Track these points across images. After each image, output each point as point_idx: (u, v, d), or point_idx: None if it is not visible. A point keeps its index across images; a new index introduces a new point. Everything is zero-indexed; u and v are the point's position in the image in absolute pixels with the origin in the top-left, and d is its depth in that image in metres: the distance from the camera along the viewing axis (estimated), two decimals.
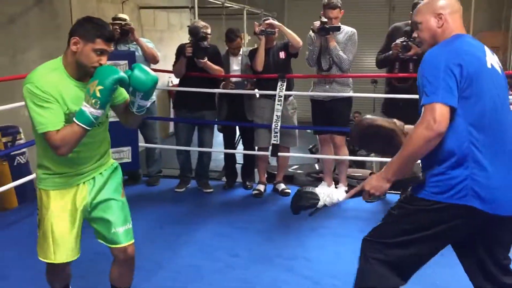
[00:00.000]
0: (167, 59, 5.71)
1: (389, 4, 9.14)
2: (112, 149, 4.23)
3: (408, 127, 2.01)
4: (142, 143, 4.69)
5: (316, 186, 2.28)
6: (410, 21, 3.83)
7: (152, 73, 1.99)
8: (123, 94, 2.15)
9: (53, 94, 1.88)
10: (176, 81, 5.82)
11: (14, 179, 4.18)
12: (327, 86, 4.21)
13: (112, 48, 2.02)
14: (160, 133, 5.27)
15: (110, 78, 1.88)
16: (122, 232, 2.14)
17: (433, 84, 1.68)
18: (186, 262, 3.11)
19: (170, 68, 4.65)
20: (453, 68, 1.68)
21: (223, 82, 4.51)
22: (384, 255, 1.84)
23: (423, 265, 1.91)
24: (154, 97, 4.78)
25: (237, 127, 4.79)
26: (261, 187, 4.48)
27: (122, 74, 1.91)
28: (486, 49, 1.86)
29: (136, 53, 4.39)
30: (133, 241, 2.19)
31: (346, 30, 4.03)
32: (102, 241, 2.20)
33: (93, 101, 1.86)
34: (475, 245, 1.86)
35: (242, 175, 4.74)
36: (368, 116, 2.09)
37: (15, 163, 4.47)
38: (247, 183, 4.64)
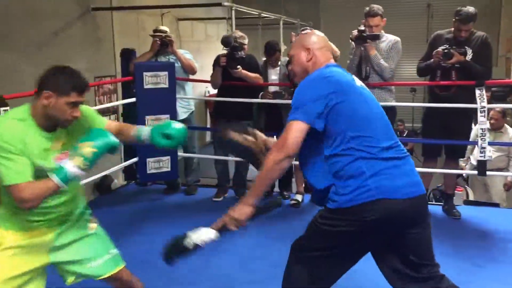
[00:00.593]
0: (204, 69, 5.77)
1: (427, 12, 9.00)
2: (152, 159, 4.37)
3: (272, 140, 2.12)
4: (180, 153, 4.75)
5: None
6: (452, 29, 3.77)
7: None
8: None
9: (19, 147, 1.76)
10: (213, 90, 5.88)
11: None
12: None
13: (84, 99, 1.90)
14: (199, 141, 5.33)
15: (107, 144, 1.84)
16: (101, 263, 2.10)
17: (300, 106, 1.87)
18: (221, 272, 3.11)
19: (208, 78, 4.71)
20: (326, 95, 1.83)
21: (262, 93, 4.53)
22: (308, 259, 1.90)
23: (345, 271, 1.95)
24: (193, 106, 4.84)
25: (274, 137, 4.78)
26: (299, 197, 4.46)
27: (115, 140, 1.88)
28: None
29: (176, 64, 4.46)
30: (122, 266, 2.18)
31: (390, 38, 3.96)
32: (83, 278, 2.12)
33: (81, 161, 1.78)
34: (390, 248, 1.88)
35: (279, 185, 4.73)
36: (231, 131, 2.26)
37: None
38: (285, 193, 4.62)
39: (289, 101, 4.52)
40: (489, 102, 6.91)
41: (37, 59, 4.91)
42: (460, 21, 3.63)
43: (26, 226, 1.92)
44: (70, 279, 2.09)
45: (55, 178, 1.77)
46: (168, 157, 4.43)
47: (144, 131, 2.06)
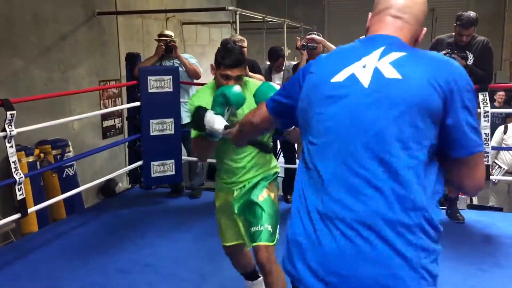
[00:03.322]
0: (208, 73, 5.81)
1: (432, 17, 9.00)
2: (156, 162, 4.39)
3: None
4: (185, 156, 4.77)
5: None
6: (453, 33, 3.78)
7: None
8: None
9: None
10: None
11: (63, 191, 4.33)
12: None
13: (237, 73, 2.22)
14: None
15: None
16: (253, 232, 2.25)
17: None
18: (230, 275, 3.11)
19: None
20: None
21: None
22: None
23: None
24: None
25: (278, 141, 4.80)
26: None
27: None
28: None
29: (180, 69, 4.49)
30: (262, 243, 2.21)
31: None
32: None
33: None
34: None
35: (283, 188, 4.74)
36: None
37: (64, 175, 4.64)
38: (288, 196, 4.63)
39: None
40: (504, 103, 6.95)
41: (44, 64, 4.97)
42: (461, 25, 3.64)
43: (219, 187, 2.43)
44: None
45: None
46: (172, 161, 4.46)
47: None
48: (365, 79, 1.23)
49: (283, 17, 8.59)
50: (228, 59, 2.21)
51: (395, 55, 1.23)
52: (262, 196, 2.30)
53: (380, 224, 1.17)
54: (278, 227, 2.29)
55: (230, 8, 6.40)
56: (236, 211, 2.35)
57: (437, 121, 1.19)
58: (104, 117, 5.87)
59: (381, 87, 1.20)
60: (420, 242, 1.18)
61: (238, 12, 6.16)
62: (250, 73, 4.32)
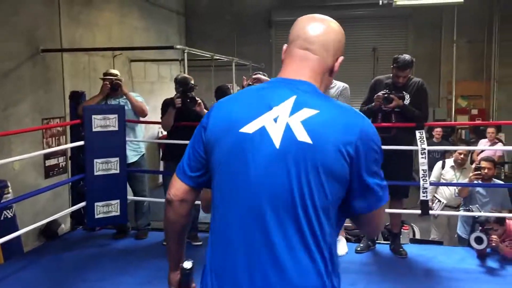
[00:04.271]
0: (157, 110, 5.77)
1: (373, 56, 9.44)
2: (100, 203, 4.29)
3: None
4: (130, 196, 4.68)
5: None
6: (391, 74, 3.98)
7: None
8: None
9: None
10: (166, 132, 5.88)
11: (0, 235, 4.12)
12: None
13: None
14: (149, 184, 5.27)
15: None
16: None
17: None
18: None
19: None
20: None
21: None
22: None
23: None
24: (143, 149, 4.82)
25: None
26: None
27: None
28: None
29: (126, 107, 4.46)
30: None
31: (338, 85, 4.10)
32: None
33: None
34: None
35: None
36: None
37: (2, 218, 4.43)
38: None
39: None
40: (442, 139, 7.28)
41: None
42: (398, 68, 3.84)
43: None
44: None
45: None
46: (118, 201, 4.36)
47: None
48: (277, 137, 1.19)
49: (232, 55, 8.75)
50: None
51: (307, 113, 1.20)
52: None
53: None
54: None
55: (178, 46, 6.47)
56: None
57: (343, 182, 1.21)
58: (47, 156, 5.70)
59: (291, 149, 1.18)
60: None
61: (186, 51, 6.23)
62: (204, 110, 4.37)
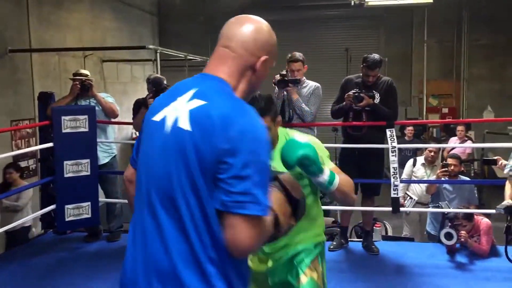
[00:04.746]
0: (130, 111, 5.73)
1: (346, 56, 9.53)
2: (71, 205, 4.22)
3: None
4: (102, 198, 4.61)
5: None
6: (361, 73, 4.02)
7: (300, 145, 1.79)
8: None
9: None
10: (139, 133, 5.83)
11: None
12: None
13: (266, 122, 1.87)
14: (121, 185, 5.21)
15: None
16: None
17: None
18: None
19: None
20: None
21: None
22: None
23: None
24: (115, 150, 4.76)
25: None
26: None
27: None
28: None
29: (96, 108, 4.39)
30: None
31: (310, 84, 4.13)
32: None
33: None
34: None
35: None
36: None
37: None
38: None
39: None
40: (414, 137, 7.39)
41: None
42: (367, 67, 3.89)
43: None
44: None
45: None
46: (89, 203, 4.29)
47: None
48: (169, 125, 1.25)
49: (207, 55, 8.72)
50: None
51: (196, 103, 1.22)
52: (304, 278, 1.95)
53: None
54: None
55: (151, 46, 6.42)
56: (270, 284, 2.04)
57: (213, 176, 1.17)
58: (17, 158, 5.58)
59: (175, 136, 1.22)
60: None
61: (158, 51, 6.19)
62: None
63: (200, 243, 1.19)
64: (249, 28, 1.32)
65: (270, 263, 2.02)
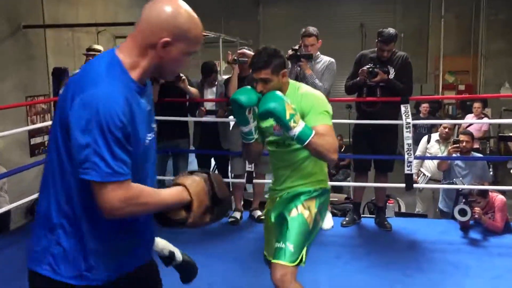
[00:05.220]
0: None
1: (361, 32, 9.39)
2: None
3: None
4: None
5: None
6: (376, 48, 3.96)
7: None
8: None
9: None
10: None
11: None
12: None
13: (264, 76, 2.11)
14: None
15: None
16: (274, 248, 2.17)
17: None
18: None
19: None
20: None
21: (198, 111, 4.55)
22: None
23: None
24: None
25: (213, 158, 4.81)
26: (237, 215, 4.48)
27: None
28: None
29: None
30: (279, 261, 2.10)
31: (324, 59, 4.07)
32: None
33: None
34: None
35: None
36: None
37: None
38: None
39: (225, 119, 4.61)
40: (429, 114, 7.31)
41: None
42: (382, 41, 3.82)
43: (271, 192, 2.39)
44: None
45: None
46: None
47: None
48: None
49: (219, 31, 8.65)
50: (253, 62, 2.16)
51: (77, 72, 1.39)
52: (294, 212, 2.18)
53: None
54: (305, 248, 2.14)
55: None
56: (272, 220, 2.29)
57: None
58: (32, 134, 5.64)
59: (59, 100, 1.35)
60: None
61: None
62: (187, 86, 4.33)
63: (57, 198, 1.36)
64: (156, 8, 1.33)
65: (275, 202, 2.31)
